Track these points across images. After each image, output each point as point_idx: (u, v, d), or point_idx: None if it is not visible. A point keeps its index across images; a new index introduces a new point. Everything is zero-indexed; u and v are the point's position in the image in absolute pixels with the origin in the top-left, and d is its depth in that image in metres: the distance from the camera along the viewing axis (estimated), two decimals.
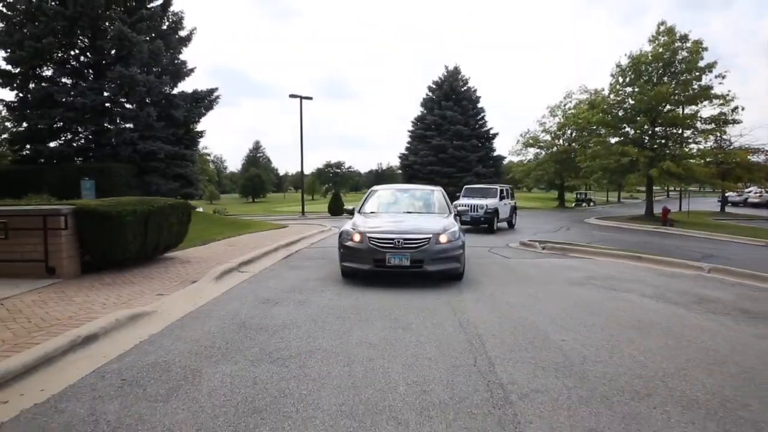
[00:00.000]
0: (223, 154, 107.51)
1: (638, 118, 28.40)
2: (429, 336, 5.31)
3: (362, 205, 10.08)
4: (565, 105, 46.63)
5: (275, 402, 3.64)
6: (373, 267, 7.78)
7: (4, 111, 20.50)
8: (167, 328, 5.54)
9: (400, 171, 50.16)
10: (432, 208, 9.88)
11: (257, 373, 4.19)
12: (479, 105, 45.25)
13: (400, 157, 47.81)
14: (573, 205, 55.14)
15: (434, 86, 46.02)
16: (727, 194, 50.58)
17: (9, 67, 19.38)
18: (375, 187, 11.32)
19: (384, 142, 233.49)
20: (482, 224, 19.79)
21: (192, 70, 22.44)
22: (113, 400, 3.68)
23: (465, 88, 45.29)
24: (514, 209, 23.67)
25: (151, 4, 21.50)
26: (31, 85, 19.59)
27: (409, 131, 47.07)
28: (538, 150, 50.64)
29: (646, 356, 4.74)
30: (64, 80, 20.05)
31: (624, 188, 50.98)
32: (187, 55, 22.49)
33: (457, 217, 9.83)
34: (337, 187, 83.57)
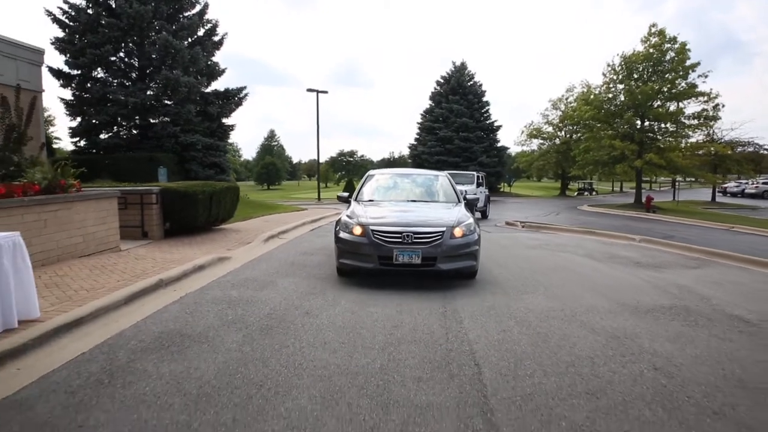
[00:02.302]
0: (238, 143, 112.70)
1: (626, 114, 31.01)
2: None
3: (359, 191, 9.09)
4: (566, 99, 49.19)
5: (322, 291, 6.63)
6: (377, 265, 6.91)
7: (63, 108, 23.46)
8: (243, 266, 8.53)
9: (410, 160, 52.97)
10: (437, 197, 8.95)
11: (309, 281, 7.19)
12: (484, 99, 48.06)
13: (409, 147, 50.87)
14: (575, 194, 57.79)
15: (442, 81, 48.92)
16: (726, 185, 53.02)
17: (68, 70, 22.51)
18: (372, 172, 10.18)
19: (397, 131, 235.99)
20: None
21: (224, 71, 25.44)
22: (231, 290, 6.67)
23: (471, 83, 48.08)
24: (488, 198, 22.85)
25: (189, 13, 24.49)
26: (88, 85, 22.65)
27: (418, 123, 50.16)
28: (542, 141, 53.30)
29: (547, 280, 7.66)
30: (114, 81, 23.14)
31: (622, 179, 53.25)
32: (217, 55, 25.52)
33: (469, 207, 8.59)
34: (350, 174, 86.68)
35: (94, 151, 23.43)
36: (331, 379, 3.82)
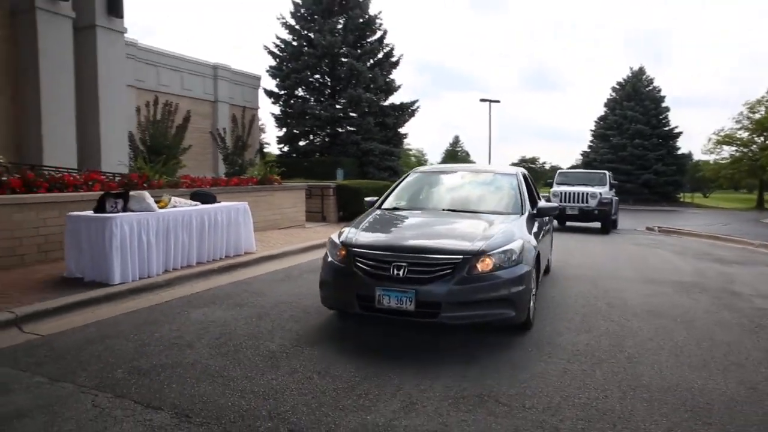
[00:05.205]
0: (423, 147, 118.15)
1: None
2: None
3: (386, 196, 6.82)
4: (767, 100, 44.95)
5: None
6: (355, 308, 4.72)
7: (273, 121, 29.54)
8: None
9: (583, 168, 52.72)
10: (496, 204, 6.20)
11: None
12: (663, 104, 46.06)
13: (582, 155, 50.69)
14: None
15: (617, 87, 47.97)
16: None
17: (277, 91, 28.38)
18: (417, 168, 7.98)
19: (584, 135, 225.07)
20: (594, 220, 15.69)
21: (399, 87, 29.51)
22: None
23: (649, 88, 46.47)
24: (617, 203, 17.64)
25: (370, 39, 28.95)
26: (292, 101, 28.28)
27: (591, 130, 49.77)
28: (735, 149, 49.07)
29: (609, 261, 9.63)
30: (311, 98, 28.49)
31: None
32: (396, 71, 29.68)
33: (538, 220, 6.27)
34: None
35: (294, 155, 29.05)
36: None
